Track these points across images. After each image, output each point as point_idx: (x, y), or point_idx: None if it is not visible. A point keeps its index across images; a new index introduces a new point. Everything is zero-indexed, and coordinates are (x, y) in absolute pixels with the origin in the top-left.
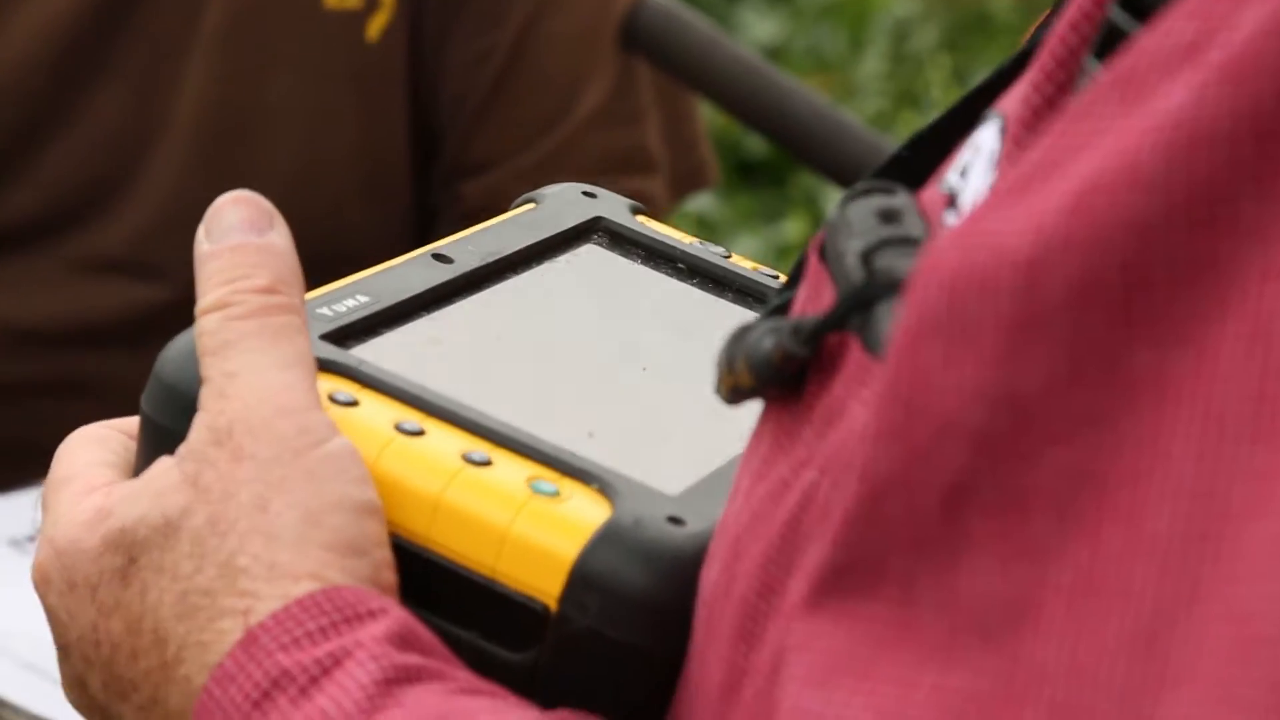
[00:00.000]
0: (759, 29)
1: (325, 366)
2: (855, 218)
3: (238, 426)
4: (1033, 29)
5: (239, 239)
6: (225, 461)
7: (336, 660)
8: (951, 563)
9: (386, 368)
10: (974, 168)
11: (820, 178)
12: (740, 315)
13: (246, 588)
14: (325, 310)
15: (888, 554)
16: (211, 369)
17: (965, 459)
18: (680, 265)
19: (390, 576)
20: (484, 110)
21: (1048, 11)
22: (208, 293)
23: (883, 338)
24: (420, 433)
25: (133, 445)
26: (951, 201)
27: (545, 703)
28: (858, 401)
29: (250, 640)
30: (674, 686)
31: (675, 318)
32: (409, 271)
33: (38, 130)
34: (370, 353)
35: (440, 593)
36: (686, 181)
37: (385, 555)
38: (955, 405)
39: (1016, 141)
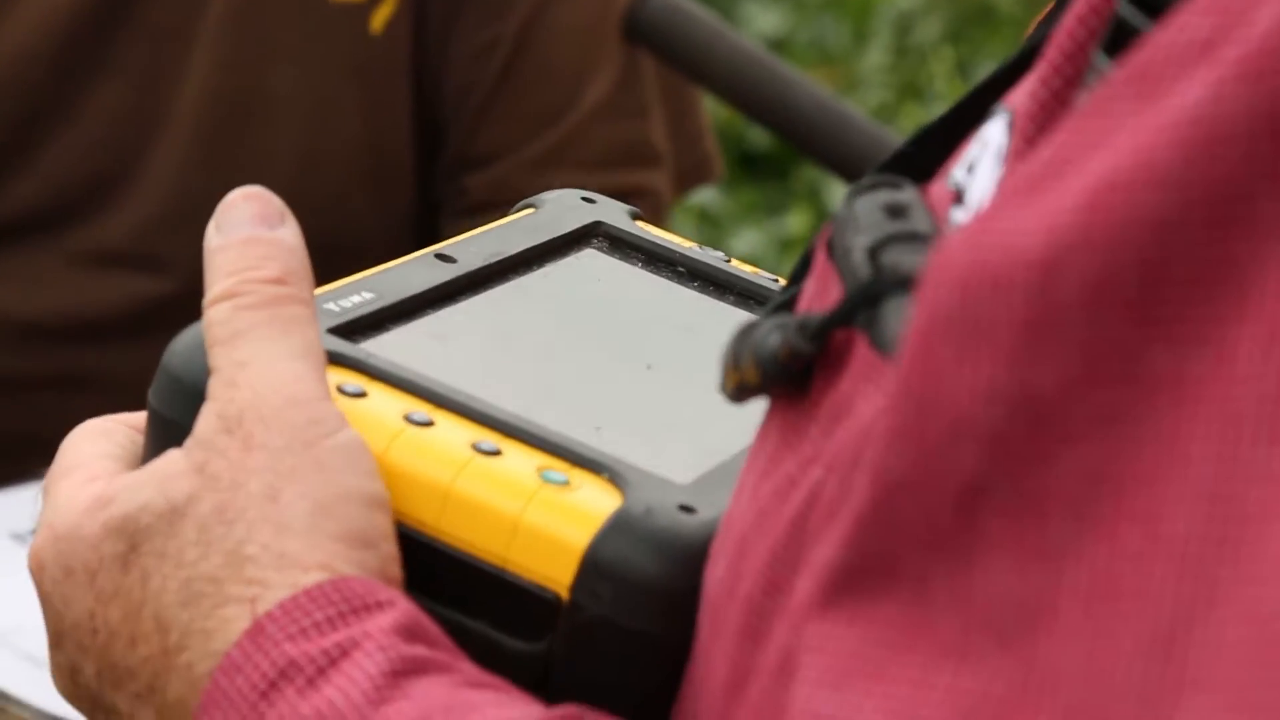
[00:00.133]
0: (762, 21)
1: (333, 359)
2: (862, 213)
3: (248, 415)
4: (1036, 22)
5: (249, 232)
6: (235, 450)
7: (344, 651)
8: (966, 564)
9: (394, 360)
10: (981, 163)
11: (823, 170)
12: (742, 317)
13: (254, 576)
14: (332, 305)
15: (900, 555)
16: (221, 358)
17: (979, 459)
18: (681, 269)
19: (397, 570)
20: (488, 103)
21: (1052, 4)
22: (217, 283)
23: (890, 334)
24: (429, 423)
25: (138, 439)
26: (958, 197)
27: (556, 692)
28: (865, 399)
29: (257, 630)
30: (682, 675)
31: (678, 318)
32: (413, 270)
33: (39, 123)
34: (377, 347)
35: (450, 583)
36: (691, 175)
37: (392, 549)
38: (968, 405)
39: (1024, 137)
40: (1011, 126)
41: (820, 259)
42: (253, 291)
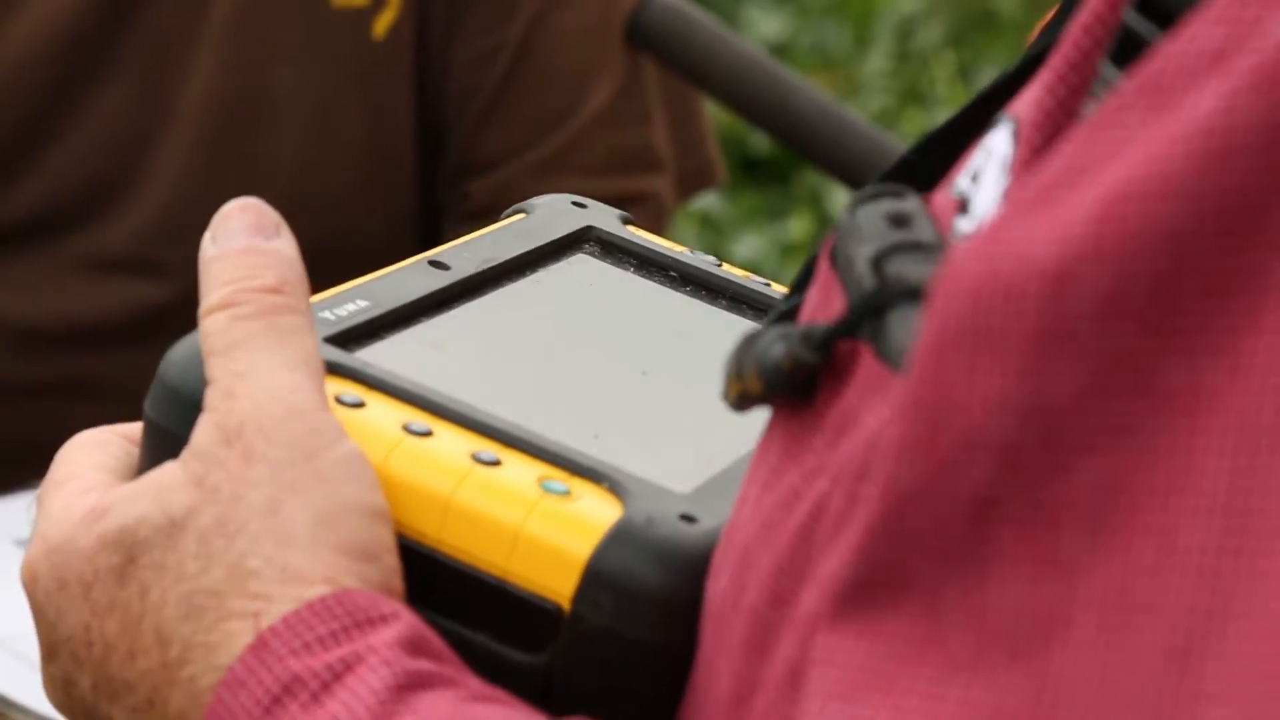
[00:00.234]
0: (764, 26)
1: (331, 369)
2: (865, 222)
3: (248, 426)
4: (1038, 29)
5: (245, 242)
6: (235, 462)
7: (348, 665)
8: (978, 576)
9: (392, 370)
10: (986, 172)
11: (825, 175)
12: (735, 322)
13: (257, 590)
14: (327, 314)
15: (911, 566)
16: (218, 369)
17: (992, 471)
18: (673, 273)
19: (399, 583)
20: (491, 107)
21: (1054, 11)
22: (213, 292)
23: (896, 345)
24: (428, 433)
25: (134, 450)
26: (963, 207)
27: (557, 703)
28: (870, 410)
29: (261, 645)
30: (684, 686)
31: (671, 324)
32: (407, 277)
33: (42, 127)
34: (374, 355)
35: (450, 594)
36: (693, 180)
37: (394, 561)
38: (980, 417)
39: (1030, 146)
40: (1016, 136)
41: (823, 268)
42: (249, 301)
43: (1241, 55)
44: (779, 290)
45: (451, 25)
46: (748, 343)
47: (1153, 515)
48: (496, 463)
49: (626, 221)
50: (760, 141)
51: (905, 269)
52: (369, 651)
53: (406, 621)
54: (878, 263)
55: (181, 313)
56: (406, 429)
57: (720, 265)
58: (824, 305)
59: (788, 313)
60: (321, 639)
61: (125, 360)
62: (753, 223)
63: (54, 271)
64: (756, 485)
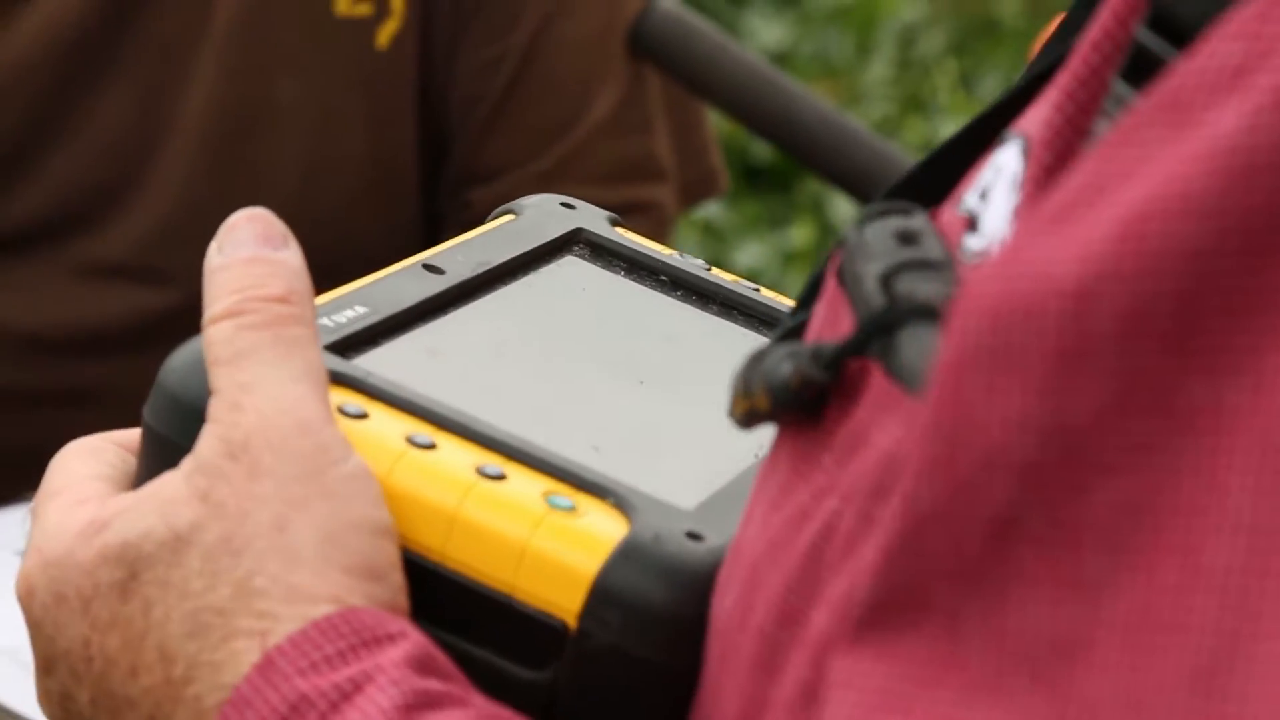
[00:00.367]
0: (766, 34)
1: (332, 378)
2: (873, 239)
3: (254, 440)
4: (1041, 44)
5: (253, 252)
6: (241, 477)
7: (357, 686)
8: (999, 597)
9: (393, 379)
10: (995, 190)
11: (827, 184)
12: (727, 329)
13: (264, 609)
14: (325, 321)
15: (931, 588)
16: (223, 379)
17: (1012, 491)
18: (662, 277)
19: (405, 601)
20: (494, 117)
21: (1056, 26)
22: (219, 301)
23: (907, 364)
24: (432, 446)
25: (129, 458)
26: (972, 224)
27: None
28: (881, 429)
29: (267, 664)
30: (689, 705)
31: (665, 331)
32: (402, 282)
33: (43, 133)
34: (374, 363)
35: (455, 610)
36: (696, 189)
37: (400, 579)
38: (1001, 437)
39: (1041, 164)
40: (1026, 153)
41: (830, 285)
42: (257, 310)
43: (1263, 72)
44: (768, 296)
45: (455, 35)
46: (755, 360)
47: (1176, 535)
48: (501, 477)
49: (614, 223)
50: (762, 150)
51: (915, 287)
52: (377, 671)
53: (414, 640)
54: (887, 280)
55: (183, 320)
56: (410, 441)
57: (709, 269)
58: (832, 323)
59: (794, 329)
60: (329, 658)
61: (127, 367)
62: (754, 231)
63: (55, 278)
64: (763, 503)
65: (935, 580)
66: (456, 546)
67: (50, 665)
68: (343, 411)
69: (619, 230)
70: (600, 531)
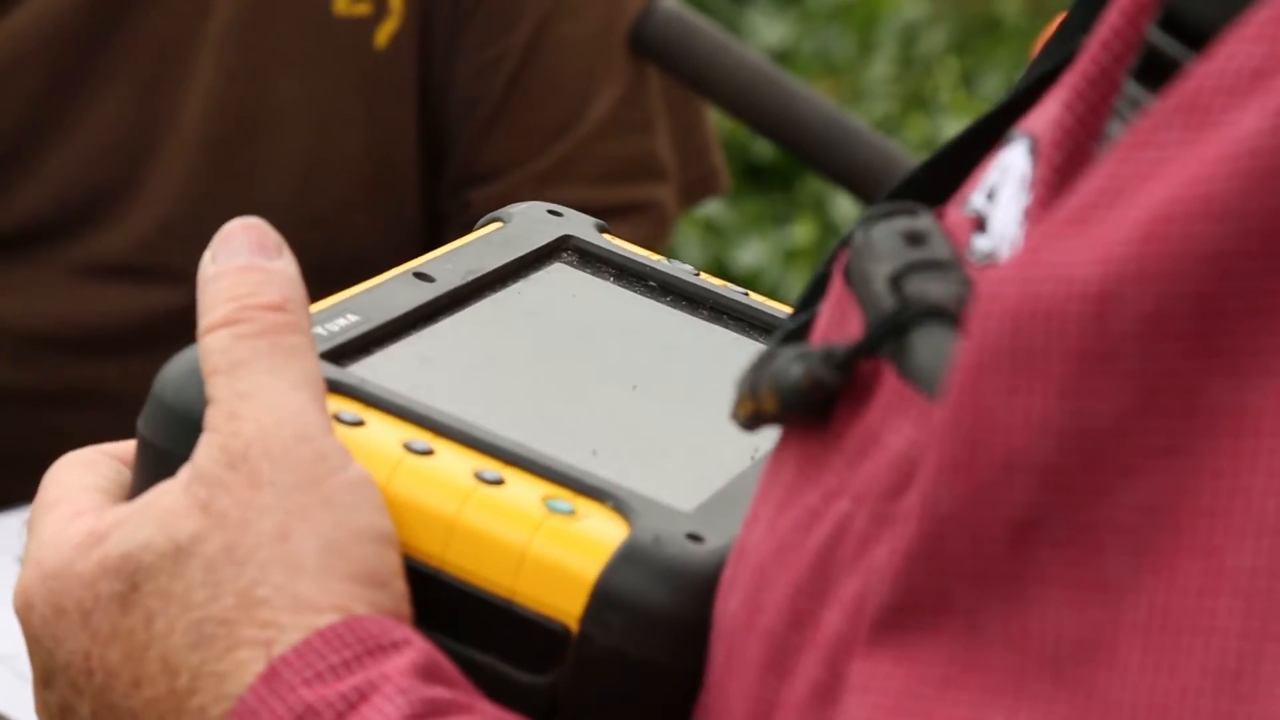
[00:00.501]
0: (767, 32)
1: (329, 386)
2: (880, 240)
3: (254, 450)
4: (1042, 43)
5: (246, 260)
6: (242, 487)
7: (363, 695)
8: (1020, 600)
9: (388, 386)
10: (1003, 190)
11: (828, 183)
12: (718, 334)
13: (268, 618)
14: (319, 329)
15: (952, 591)
16: (221, 389)
17: (1033, 493)
18: (651, 283)
19: (408, 608)
20: (495, 117)
21: (1057, 26)
22: (214, 309)
23: (920, 365)
24: (430, 452)
25: (123, 470)
26: (980, 224)
27: None
28: (893, 431)
29: (272, 675)
30: (692, 707)
31: (655, 336)
32: (394, 290)
33: (41, 132)
34: (368, 371)
35: (456, 615)
36: (697, 188)
37: (403, 586)
38: (1021, 438)
39: (1051, 164)
40: (1034, 152)
41: (836, 286)
42: (253, 319)
43: None
44: (757, 300)
45: (454, 35)
46: (762, 362)
47: (1198, 536)
48: (500, 481)
49: (602, 229)
50: (763, 148)
51: (926, 288)
52: (383, 680)
53: (419, 648)
54: (896, 281)
55: (183, 320)
56: (408, 448)
57: (698, 274)
58: (839, 324)
59: (797, 331)
60: (334, 668)
61: (126, 368)
62: (756, 229)
63: (55, 277)
64: (770, 505)
65: (955, 583)
66: (456, 552)
67: (50, 678)
68: (339, 419)
69: (607, 237)
70: (600, 534)
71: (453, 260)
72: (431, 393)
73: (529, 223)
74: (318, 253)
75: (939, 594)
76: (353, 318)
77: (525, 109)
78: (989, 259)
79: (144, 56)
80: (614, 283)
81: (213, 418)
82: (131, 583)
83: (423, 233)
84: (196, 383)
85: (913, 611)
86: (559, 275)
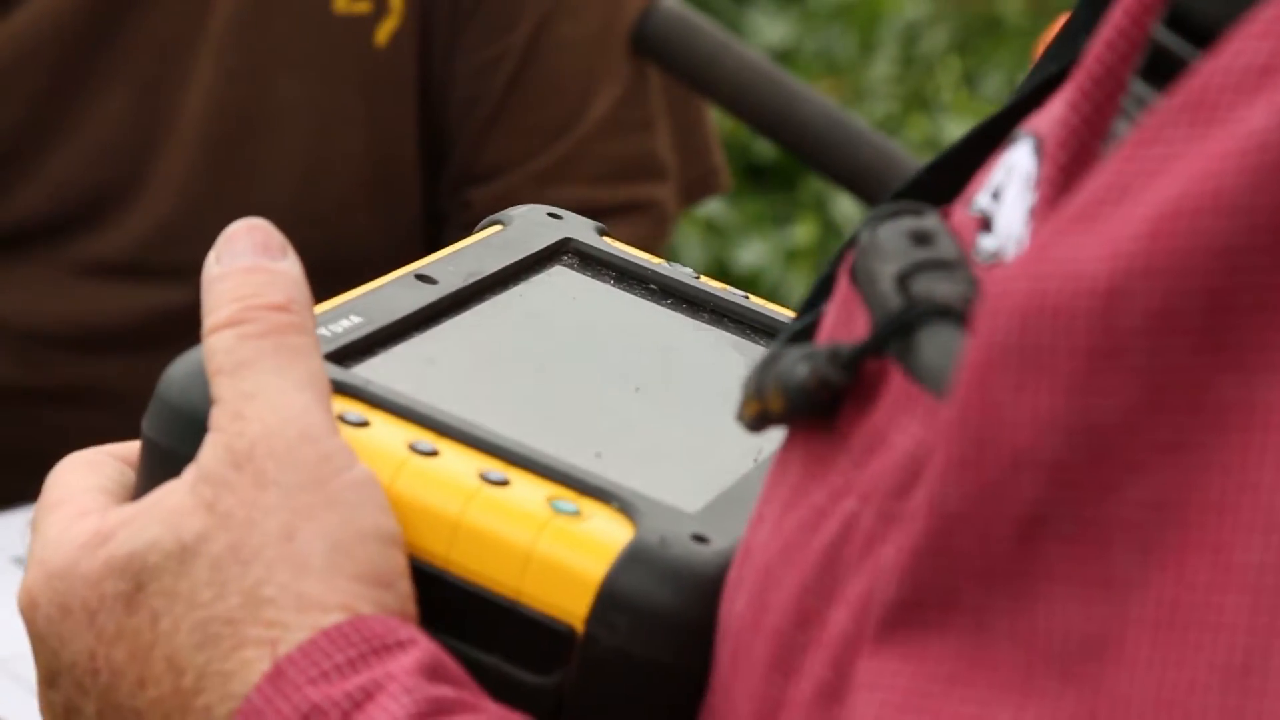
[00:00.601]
0: (769, 32)
1: (333, 387)
2: (886, 240)
3: (259, 450)
4: (1045, 45)
5: (251, 261)
6: (247, 487)
7: (369, 694)
8: (1028, 596)
9: (392, 387)
10: (1008, 189)
11: (830, 183)
12: (717, 335)
13: (273, 618)
14: (323, 331)
15: (959, 588)
16: (226, 389)
17: (1040, 490)
18: (651, 286)
19: (413, 608)
20: (495, 116)
21: (1060, 28)
22: (219, 309)
23: (928, 364)
24: (434, 453)
25: (127, 471)
26: (985, 224)
27: None
28: (900, 430)
29: (278, 673)
30: (697, 708)
31: (656, 338)
32: (396, 292)
33: (41, 132)
34: (372, 372)
35: (461, 616)
36: (697, 188)
37: (408, 586)
38: (1029, 435)
39: (1057, 163)
40: (1040, 152)
41: (842, 286)
42: (257, 319)
43: None
44: (757, 303)
45: (454, 34)
46: (768, 362)
47: (1206, 532)
48: (505, 482)
49: (602, 233)
50: (765, 147)
51: (933, 287)
52: (388, 679)
53: (424, 647)
54: (903, 281)
55: (184, 318)
56: (412, 448)
57: (698, 277)
58: (845, 324)
59: (802, 331)
60: (339, 667)
61: (126, 367)
62: (757, 229)
63: (55, 277)
64: (775, 505)
65: (963, 580)
66: (461, 553)
67: (54, 678)
68: (344, 420)
69: (607, 240)
70: (605, 535)
71: (454, 263)
72: (436, 394)
73: (529, 226)
74: (318, 252)
75: (947, 591)
76: (356, 319)
77: (525, 108)
78: (994, 258)
79: (144, 56)
80: (614, 286)
81: (218, 418)
82: (137, 582)
83: (423, 232)
84: (201, 383)
85: (920, 609)
86: (560, 278)
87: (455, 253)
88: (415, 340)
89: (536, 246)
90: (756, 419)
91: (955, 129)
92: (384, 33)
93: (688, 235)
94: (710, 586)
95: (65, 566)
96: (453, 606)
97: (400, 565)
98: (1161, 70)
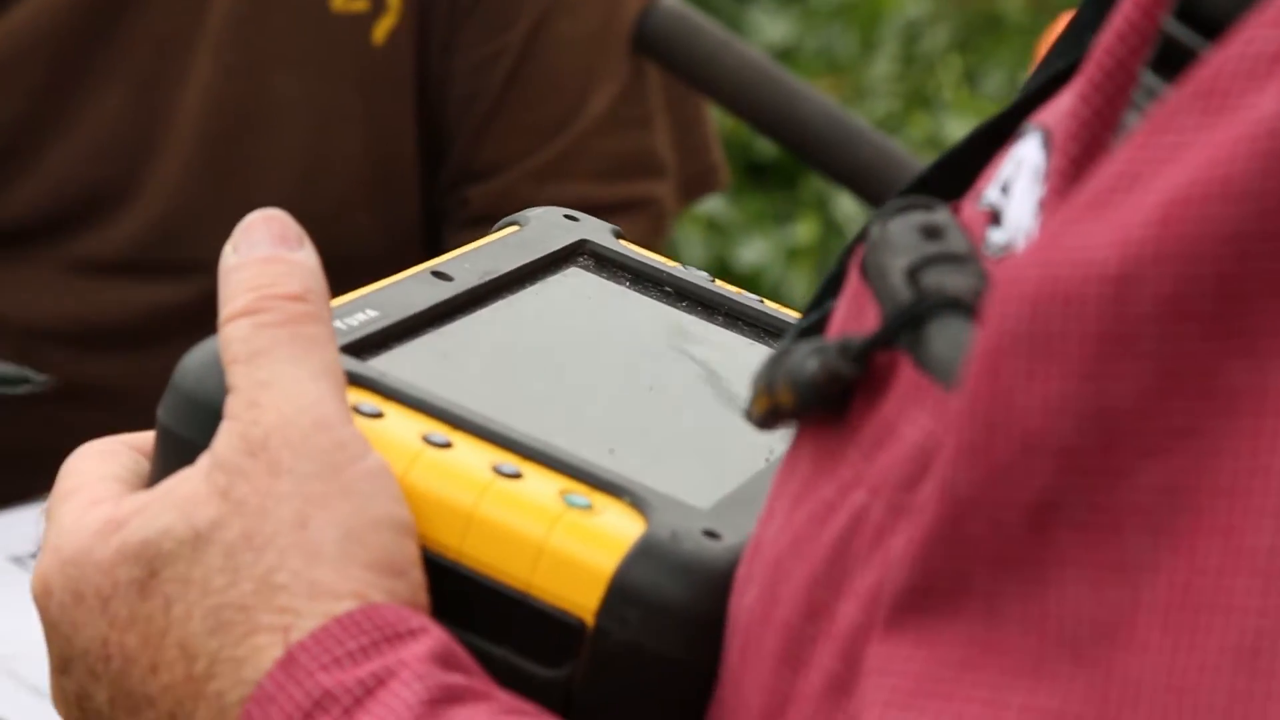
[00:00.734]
0: (770, 30)
1: (348, 379)
2: (897, 234)
3: (274, 438)
4: (1046, 42)
5: (269, 251)
6: (261, 475)
7: (380, 680)
8: (1039, 581)
9: (407, 380)
10: (1017, 183)
11: (830, 181)
12: (731, 338)
13: (286, 604)
14: (339, 324)
15: (971, 574)
16: (241, 377)
17: (1051, 476)
18: (667, 289)
19: (425, 598)
20: (493, 113)
21: (1066, 25)
22: (235, 299)
23: (938, 356)
24: (448, 445)
25: (141, 460)
26: (995, 218)
27: (579, 718)
28: (910, 422)
29: (290, 660)
30: (706, 702)
31: (671, 340)
32: (413, 288)
33: (39, 129)
34: (388, 365)
35: (472, 608)
36: (696, 185)
37: (420, 576)
38: (1040, 421)
39: (1068, 155)
40: (1048, 145)
41: (853, 281)
42: (274, 308)
43: None
44: (772, 307)
45: (452, 31)
46: (778, 358)
47: (1217, 516)
48: (518, 475)
49: (618, 235)
50: (765, 145)
51: (943, 280)
52: (400, 666)
53: (436, 636)
54: (913, 274)
55: (183, 316)
56: (426, 440)
57: (713, 281)
58: (855, 318)
59: (813, 327)
60: (351, 654)
61: (127, 363)
62: (758, 227)
63: (54, 274)
64: (785, 499)
65: (974, 565)
66: (474, 545)
67: (67, 664)
68: (359, 411)
69: (622, 242)
70: (617, 529)
71: (470, 261)
72: (450, 388)
73: (545, 226)
74: (317, 249)
75: (958, 577)
76: (372, 313)
77: (523, 105)
78: (1004, 252)
79: (142, 53)
80: (629, 287)
81: (233, 406)
82: (150, 569)
83: (421, 230)
84: (217, 371)
85: (932, 594)
86: (575, 279)
87: (472, 251)
88: (430, 335)
89: (553, 247)
90: (766, 414)
91: (956, 127)
92: (382, 30)
93: (689, 234)
94: (721, 581)
95: (79, 553)
96: (464, 598)
97: (412, 554)
98: (1172, 62)
